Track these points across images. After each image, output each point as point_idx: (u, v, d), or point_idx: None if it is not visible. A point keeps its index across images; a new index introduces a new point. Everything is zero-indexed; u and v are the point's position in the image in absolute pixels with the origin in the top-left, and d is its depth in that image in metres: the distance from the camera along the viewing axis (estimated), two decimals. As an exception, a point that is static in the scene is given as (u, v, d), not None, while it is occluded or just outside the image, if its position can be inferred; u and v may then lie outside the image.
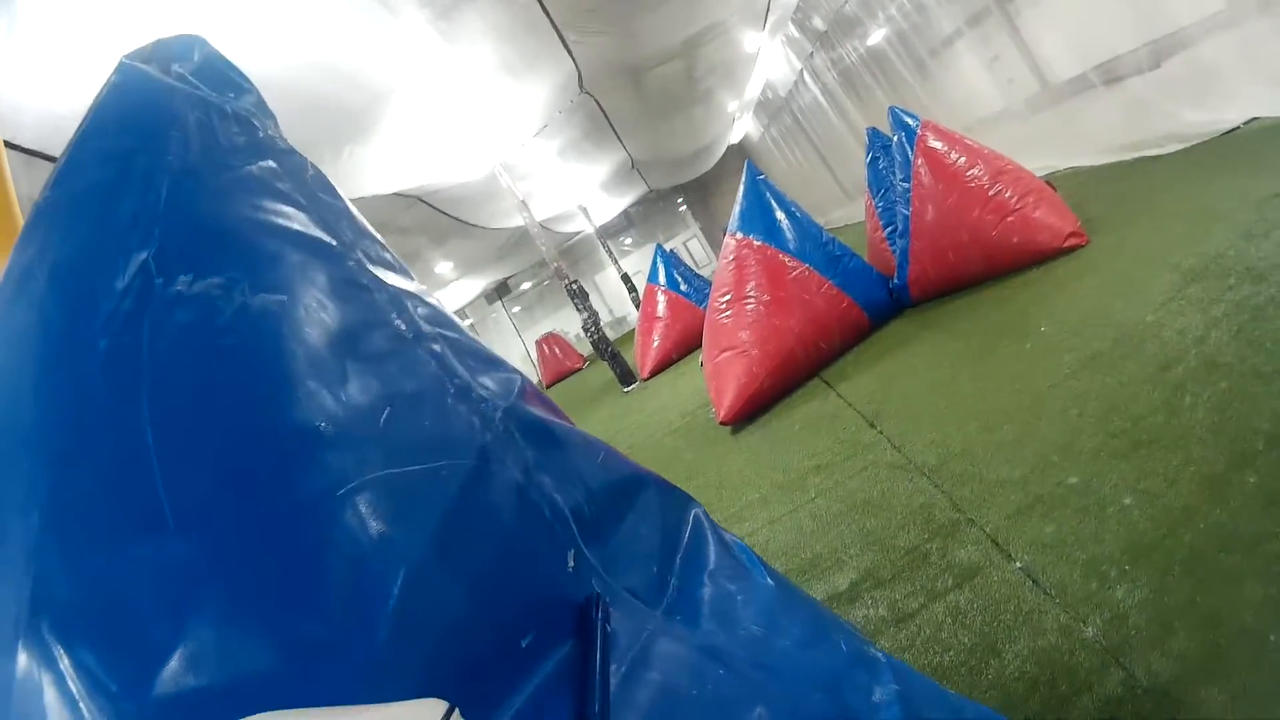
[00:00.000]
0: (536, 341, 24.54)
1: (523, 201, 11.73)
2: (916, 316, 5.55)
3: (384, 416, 1.08)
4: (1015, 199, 4.95)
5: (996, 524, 2.39)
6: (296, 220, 1.23)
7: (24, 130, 4.67)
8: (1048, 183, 5.28)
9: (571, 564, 1.20)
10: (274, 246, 1.17)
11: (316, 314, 1.13)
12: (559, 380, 23.00)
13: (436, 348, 1.26)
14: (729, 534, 1.58)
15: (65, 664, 0.85)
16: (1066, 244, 4.79)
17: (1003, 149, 5.55)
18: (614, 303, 31.28)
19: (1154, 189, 5.42)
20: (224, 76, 1.39)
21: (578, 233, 25.29)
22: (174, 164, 1.16)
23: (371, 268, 1.29)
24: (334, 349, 1.11)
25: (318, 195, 1.32)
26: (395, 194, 10.64)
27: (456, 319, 1.40)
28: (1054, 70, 8.79)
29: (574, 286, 11.58)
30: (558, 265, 11.75)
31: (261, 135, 1.32)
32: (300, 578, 0.94)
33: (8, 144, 4.53)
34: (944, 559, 2.38)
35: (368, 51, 6.37)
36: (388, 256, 1.38)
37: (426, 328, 1.28)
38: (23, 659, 0.87)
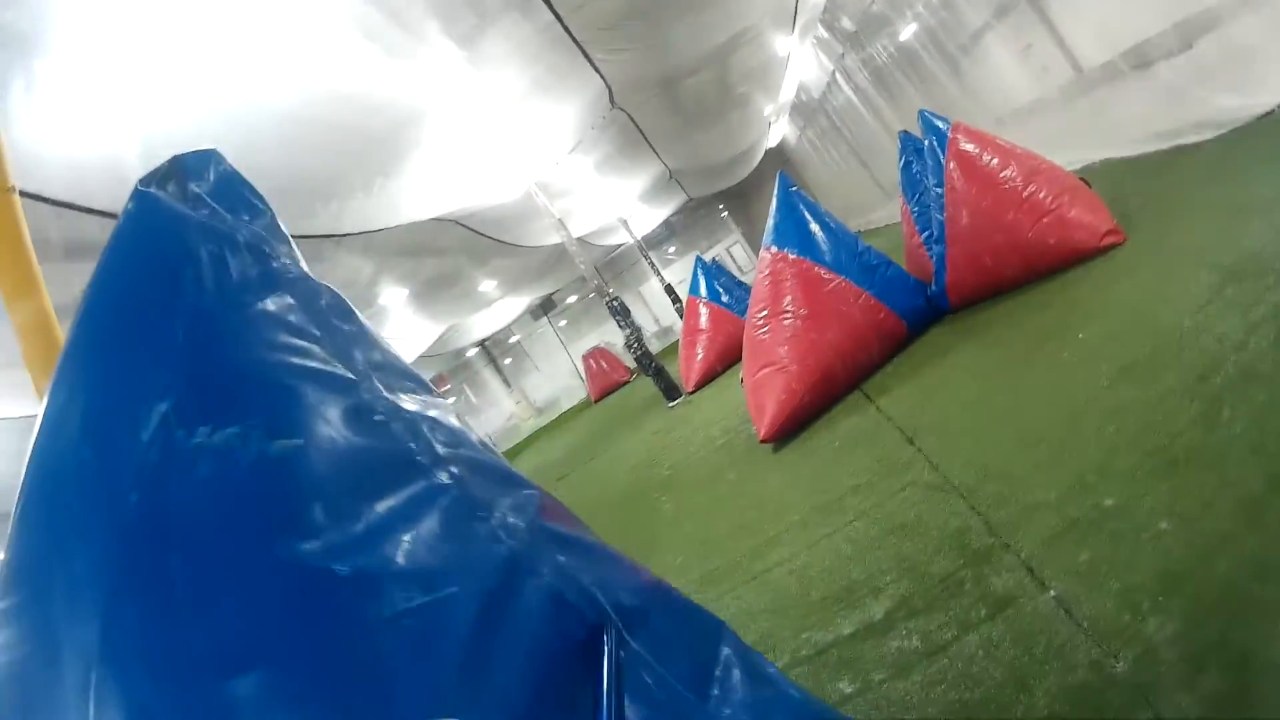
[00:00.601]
0: (584, 356, 24.61)
1: (559, 220, 11.80)
2: (955, 324, 5.49)
3: (402, 550, 1.10)
4: (1050, 199, 4.87)
5: (1031, 549, 2.36)
6: (310, 355, 1.26)
7: (51, 182, 4.76)
8: (1082, 179, 5.19)
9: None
10: (288, 387, 1.20)
11: (332, 455, 1.16)
12: (607, 393, 23.05)
13: (455, 470, 1.27)
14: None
15: None
16: (1104, 243, 4.71)
17: (1036, 141, 5.49)
18: (660, 312, 31.30)
19: (1190, 181, 5.33)
20: (239, 196, 1.42)
21: (619, 245, 25.34)
22: (189, 306, 1.21)
23: (388, 395, 1.31)
24: (349, 489, 1.14)
25: (331, 323, 1.35)
26: (433, 219, 10.75)
27: (474, 435, 1.42)
28: (1086, 56, 8.66)
29: (615, 303, 11.62)
30: (598, 283, 11.80)
31: (275, 265, 1.35)
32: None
33: (37, 197, 4.66)
34: (979, 587, 2.35)
35: (394, 81, 6.43)
36: (405, 380, 1.40)
37: (444, 451, 1.28)
38: None
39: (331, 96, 6.02)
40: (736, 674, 1.38)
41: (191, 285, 1.22)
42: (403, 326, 15.55)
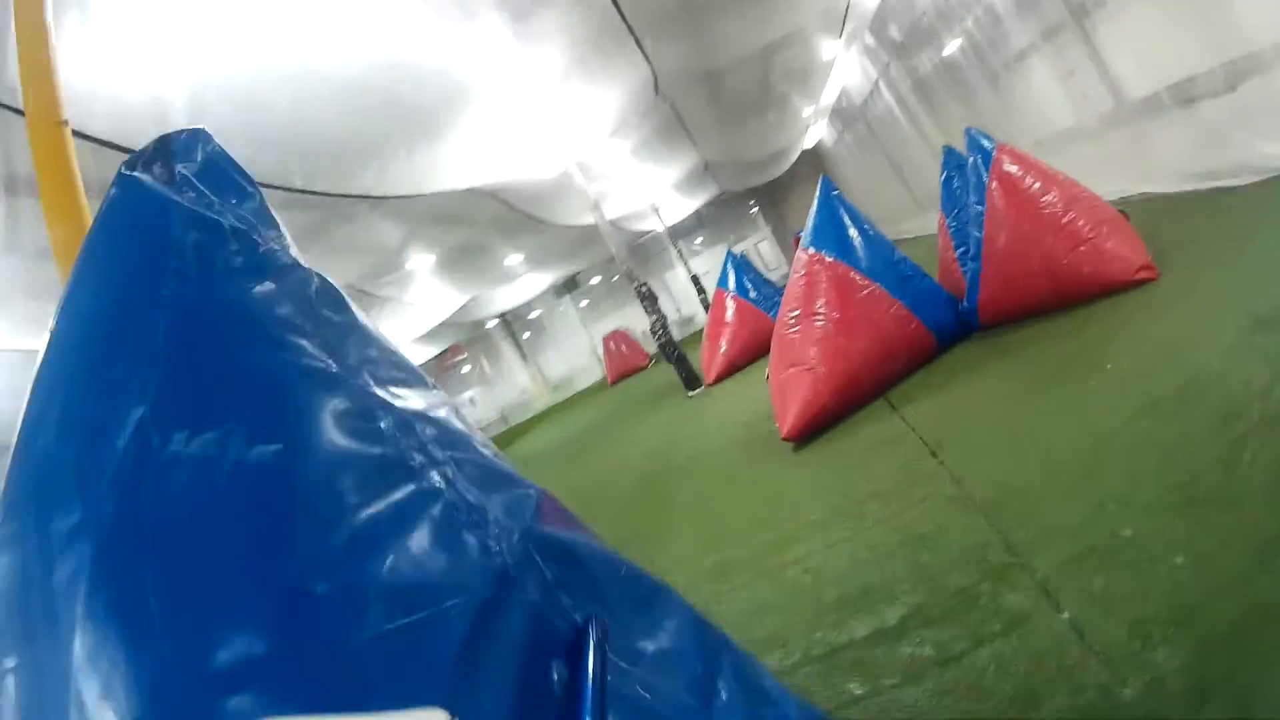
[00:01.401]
0: (604, 338, 24.68)
1: (595, 202, 11.86)
2: (984, 341, 5.55)
3: (387, 565, 1.05)
4: (1088, 228, 4.92)
5: (1048, 571, 2.44)
6: (297, 349, 1.20)
7: (95, 119, 4.78)
8: (1121, 211, 5.23)
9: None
10: (272, 385, 1.15)
11: (317, 461, 1.11)
12: (624, 377, 23.13)
13: (448, 473, 1.22)
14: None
15: None
16: (1137, 277, 4.75)
17: (1075, 168, 5.51)
18: (681, 301, 31.32)
19: (1227, 224, 5.37)
20: (227, 178, 1.37)
21: (648, 232, 25.39)
22: (170, 299, 1.15)
23: (378, 390, 1.26)
24: (334, 498, 1.08)
25: (321, 314, 1.29)
26: (468, 189, 10.86)
27: (469, 431, 1.38)
28: (1129, 87, 8.69)
29: (644, 289, 11.69)
30: (629, 267, 11.87)
31: (262, 250, 1.29)
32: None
33: (79, 133, 4.73)
34: (994, 603, 2.43)
35: (445, 51, 6.50)
36: (397, 371, 1.35)
37: (437, 452, 1.24)
38: None
39: (382, 61, 6.09)
40: (735, 690, 1.38)
41: (173, 277, 1.17)
42: (427, 292, 15.67)
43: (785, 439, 5.47)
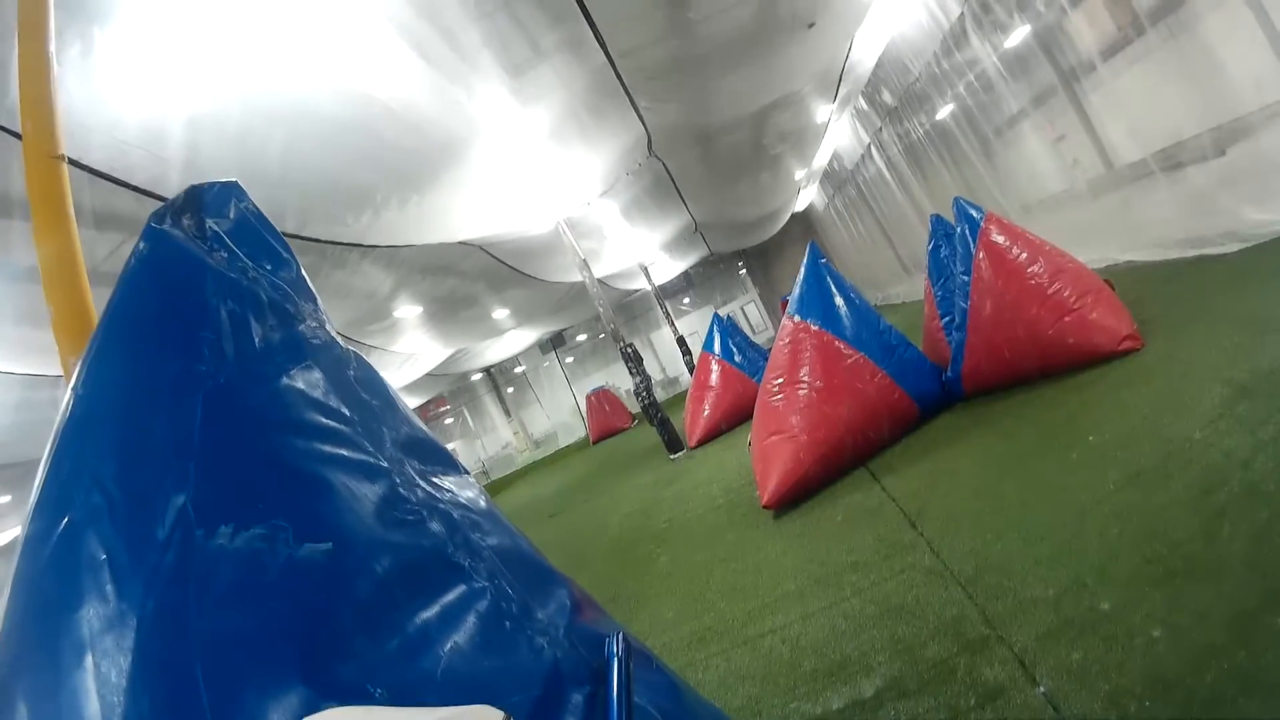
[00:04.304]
0: (587, 396, 24.62)
1: (584, 260, 11.92)
2: (967, 411, 5.56)
3: (441, 667, 1.03)
4: (1074, 299, 4.96)
5: (1025, 643, 2.41)
6: (341, 440, 1.16)
7: (91, 150, 4.80)
8: (1106, 280, 5.28)
9: None
10: (318, 479, 1.11)
11: (366, 560, 1.08)
12: (606, 436, 23.02)
13: (491, 568, 1.20)
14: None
15: None
16: (1121, 347, 4.79)
17: (1063, 234, 5.57)
18: (667, 362, 31.42)
19: (1211, 291, 5.43)
20: (260, 241, 1.32)
21: (636, 290, 25.51)
22: (206, 376, 1.11)
23: (421, 483, 1.23)
24: (384, 599, 1.06)
25: (361, 398, 1.26)
26: (459, 242, 10.89)
27: (506, 520, 1.35)
28: (1118, 154, 8.83)
29: (629, 350, 11.70)
30: (614, 327, 11.89)
31: (301, 329, 1.25)
32: None
33: (76, 163, 4.71)
34: (970, 675, 2.39)
35: (440, 102, 6.53)
36: (435, 459, 1.31)
37: (479, 545, 1.22)
38: None
39: (378, 108, 6.11)
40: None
41: (210, 352, 1.12)
42: (413, 343, 15.65)
43: (765, 507, 5.43)
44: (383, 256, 9.88)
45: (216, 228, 1.25)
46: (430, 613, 1.08)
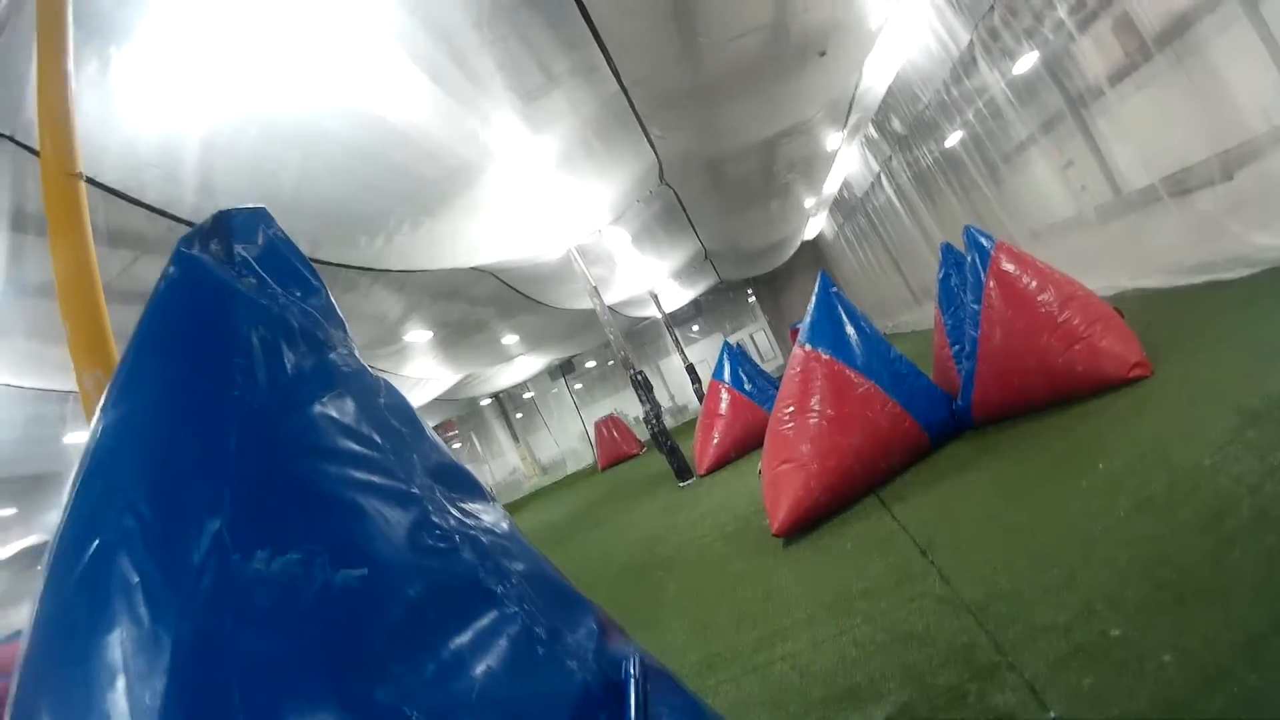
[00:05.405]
0: (596, 423, 24.58)
1: (594, 287, 11.96)
2: (977, 439, 5.56)
3: (475, 691, 1.04)
4: (1083, 327, 4.97)
5: (1036, 670, 2.41)
6: (373, 467, 1.18)
7: (106, 169, 4.86)
8: (1116, 308, 5.29)
9: None
10: (352, 506, 1.13)
11: (400, 585, 1.09)
12: (614, 464, 22.93)
13: (521, 593, 1.21)
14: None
15: None
16: (1131, 375, 4.79)
17: (1072, 260, 5.57)
18: (676, 390, 31.42)
19: (1219, 317, 5.45)
20: (289, 267, 1.33)
21: (646, 318, 25.55)
22: (240, 402, 1.12)
23: (451, 510, 1.24)
24: (419, 625, 1.07)
25: (391, 425, 1.28)
26: (470, 267, 10.96)
27: (530, 545, 1.36)
28: (1126, 179, 8.86)
29: (639, 378, 11.71)
30: (624, 355, 11.92)
31: (332, 356, 1.27)
32: None
33: (91, 180, 4.75)
34: (981, 702, 2.39)
35: (453, 128, 6.60)
36: (463, 486, 1.33)
37: (508, 571, 1.23)
38: None
39: (391, 133, 6.17)
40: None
41: (243, 378, 1.13)
42: (423, 368, 15.68)
43: (776, 535, 5.41)
44: (394, 281, 9.93)
45: (245, 253, 1.27)
46: (464, 637, 1.09)
